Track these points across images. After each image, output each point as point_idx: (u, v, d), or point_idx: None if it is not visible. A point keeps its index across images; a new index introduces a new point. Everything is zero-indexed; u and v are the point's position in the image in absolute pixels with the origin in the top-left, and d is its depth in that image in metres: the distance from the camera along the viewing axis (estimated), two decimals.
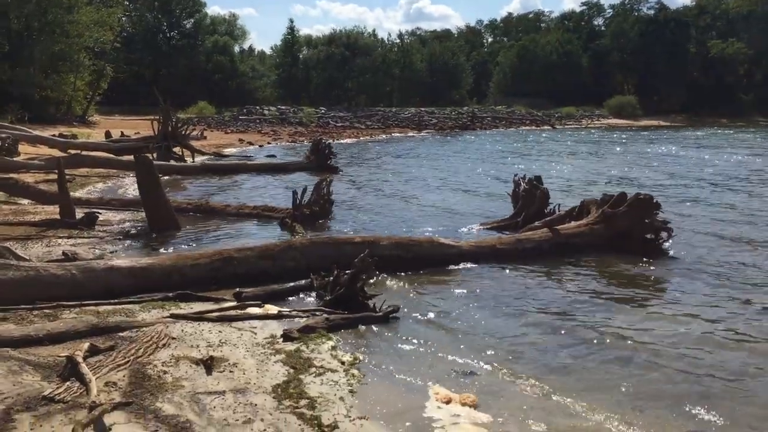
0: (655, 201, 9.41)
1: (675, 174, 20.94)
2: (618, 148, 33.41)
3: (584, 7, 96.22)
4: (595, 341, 5.98)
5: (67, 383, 4.26)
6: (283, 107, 59.69)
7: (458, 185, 18.24)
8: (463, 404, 4.54)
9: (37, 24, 40.09)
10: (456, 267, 8.45)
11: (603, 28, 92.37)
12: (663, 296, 7.55)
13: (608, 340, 6.00)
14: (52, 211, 11.48)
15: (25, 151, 22.15)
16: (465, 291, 7.55)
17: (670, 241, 9.56)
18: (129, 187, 16.03)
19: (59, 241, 9.57)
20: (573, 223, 9.75)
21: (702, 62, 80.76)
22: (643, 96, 77.48)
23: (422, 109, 66.45)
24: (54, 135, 27.01)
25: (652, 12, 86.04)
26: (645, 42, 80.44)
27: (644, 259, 8.97)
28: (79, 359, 4.50)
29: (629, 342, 5.96)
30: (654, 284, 8.05)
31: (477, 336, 6.11)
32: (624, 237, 9.37)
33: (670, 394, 4.88)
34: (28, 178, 15.42)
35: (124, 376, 4.51)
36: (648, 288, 7.87)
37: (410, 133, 48.88)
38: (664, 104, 76.71)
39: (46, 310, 5.97)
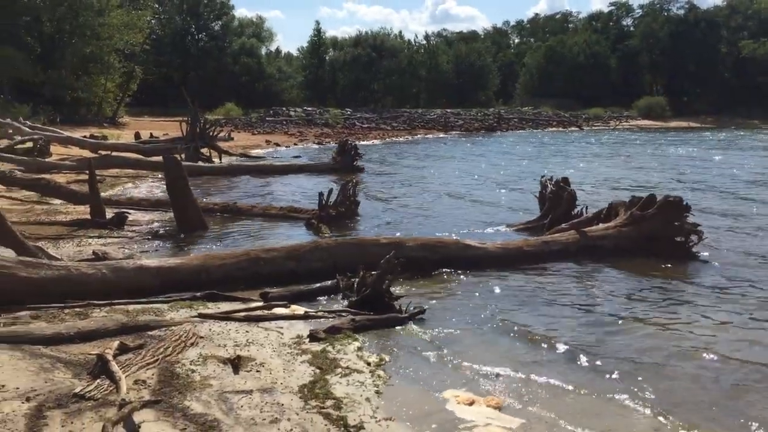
0: (684, 203, 9.28)
1: (704, 176, 20.63)
2: (646, 150, 33.03)
3: (612, 8, 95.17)
4: (621, 345, 5.91)
5: (98, 381, 4.32)
6: (309, 108, 59.88)
7: (484, 186, 18.18)
8: (488, 406, 4.52)
9: (68, 27, 40.77)
10: (482, 268, 8.41)
11: (632, 28, 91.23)
12: (693, 301, 7.41)
13: (635, 345, 5.93)
14: (83, 211, 11.66)
15: (57, 151, 22.56)
16: (491, 293, 7.52)
17: (700, 244, 9.42)
18: (158, 187, 16.22)
19: (90, 240, 9.73)
20: (601, 225, 9.66)
21: (733, 63, 79.46)
22: (672, 97, 76.46)
23: (448, 110, 66.27)
24: (85, 136, 27.40)
25: (682, 12, 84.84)
26: (675, 42, 79.36)
27: (673, 263, 8.85)
28: (109, 357, 4.56)
29: (657, 347, 5.88)
30: (683, 289, 7.91)
31: (502, 338, 6.08)
32: (653, 240, 9.25)
33: (698, 401, 4.82)
34: (60, 178, 15.69)
35: (153, 375, 4.56)
36: (677, 292, 7.75)
37: (436, 134, 48.76)
38: (694, 105, 75.61)
39: (77, 309, 6.06)
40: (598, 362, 5.51)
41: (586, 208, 10.68)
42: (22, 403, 3.97)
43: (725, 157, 27.80)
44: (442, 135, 48.42)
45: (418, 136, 47.18)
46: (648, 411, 4.62)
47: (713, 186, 17.98)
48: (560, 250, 9.08)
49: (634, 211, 9.41)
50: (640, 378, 5.18)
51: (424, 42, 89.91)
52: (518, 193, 16.23)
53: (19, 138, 22.63)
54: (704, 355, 5.69)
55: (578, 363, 5.51)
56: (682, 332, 6.30)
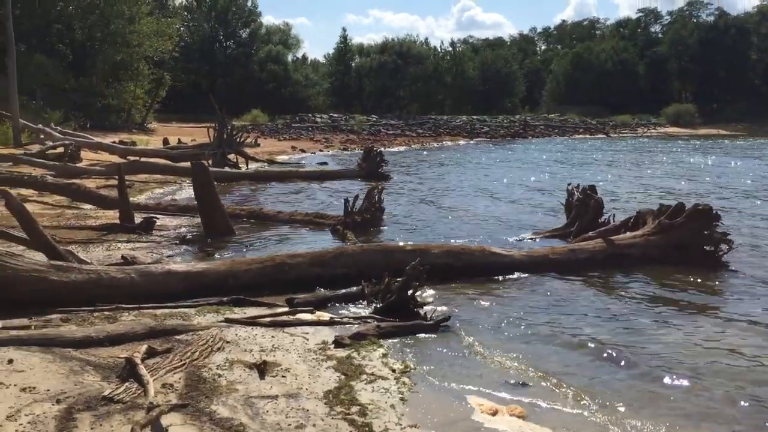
0: (714, 212, 9.14)
1: (733, 185, 20.31)
2: (673, 158, 32.64)
3: (641, 14, 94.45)
4: (649, 357, 5.82)
5: (126, 384, 4.36)
6: (335, 115, 60.24)
7: (509, 194, 18.07)
8: (512, 415, 4.49)
9: (99, 34, 41.40)
10: (507, 277, 8.36)
11: (660, 35, 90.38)
12: (722, 313, 7.27)
13: (664, 357, 5.83)
14: (112, 215, 11.82)
15: (87, 157, 22.96)
16: (516, 301, 7.47)
17: (730, 254, 9.26)
18: (185, 193, 16.38)
19: (119, 245, 9.84)
20: (628, 234, 9.55)
21: (764, 70, 78.44)
22: (701, 104, 75.60)
23: (474, 117, 66.15)
24: (114, 142, 27.85)
25: (711, 19, 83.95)
26: (704, 49, 78.58)
27: (702, 273, 8.71)
28: (138, 361, 4.61)
29: (686, 360, 5.77)
30: (712, 300, 7.77)
31: (528, 348, 6.02)
32: (681, 248, 9.12)
33: (727, 416, 4.73)
34: (90, 183, 15.91)
35: (180, 379, 4.60)
36: (706, 303, 7.61)
37: (462, 141, 48.70)
38: (724, 112, 74.67)
39: (106, 312, 6.14)
40: (627, 375, 5.44)
41: (613, 216, 10.57)
42: (53, 405, 4.03)
43: (748, 165, 27.39)
44: (462, 142, 48.29)
45: (445, 142, 47.14)
46: (672, 428, 4.55)
47: (741, 194, 17.72)
48: (587, 258, 8.98)
49: (662, 219, 9.28)
50: (666, 392, 5.11)
51: (450, 49, 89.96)
52: (546, 199, 16.12)
53: (50, 143, 23.06)
54: (731, 374, 5.55)
55: (606, 374, 5.45)
56: (713, 345, 6.17)
